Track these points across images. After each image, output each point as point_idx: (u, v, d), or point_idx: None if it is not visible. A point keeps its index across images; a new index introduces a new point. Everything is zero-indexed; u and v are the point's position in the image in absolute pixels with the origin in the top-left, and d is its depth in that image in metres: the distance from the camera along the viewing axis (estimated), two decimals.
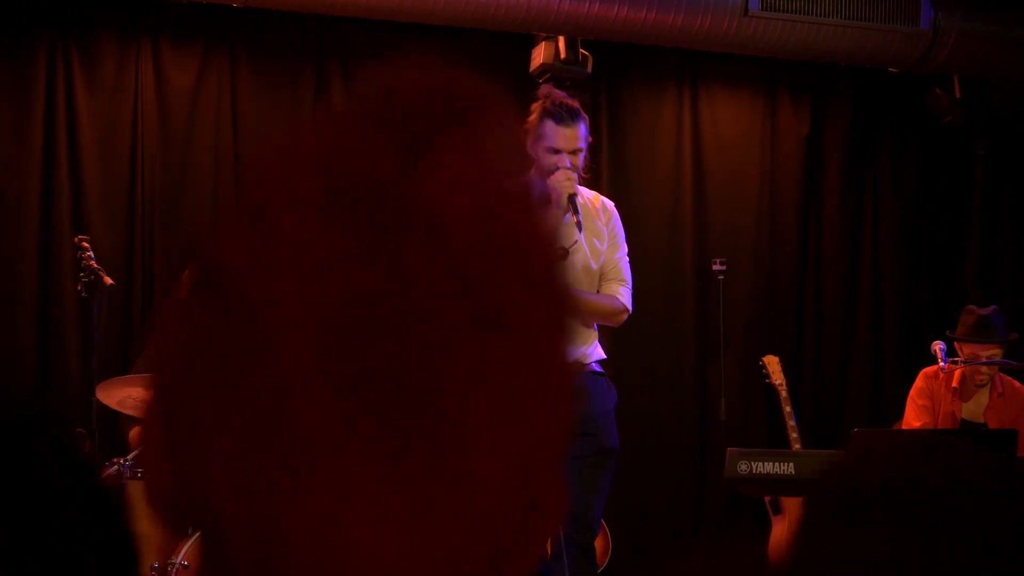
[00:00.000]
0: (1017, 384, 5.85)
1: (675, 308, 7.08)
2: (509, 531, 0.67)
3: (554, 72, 6.64)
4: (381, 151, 0.67)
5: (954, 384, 5.78)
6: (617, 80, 7.11)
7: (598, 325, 4.69)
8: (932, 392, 5.82)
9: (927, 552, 1.04)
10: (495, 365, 0.66)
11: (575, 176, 4.46)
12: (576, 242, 4.54)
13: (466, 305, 0.65)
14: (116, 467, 4.74)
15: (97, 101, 6.31)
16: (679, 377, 7.07)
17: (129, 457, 4.82)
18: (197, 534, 0.70)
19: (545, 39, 6.66)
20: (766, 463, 4.84)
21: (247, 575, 0.66)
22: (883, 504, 1.07)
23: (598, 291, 4.63)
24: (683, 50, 6.93)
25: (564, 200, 4.43)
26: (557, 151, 4.47)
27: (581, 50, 6.68)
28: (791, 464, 4.87)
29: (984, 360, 5.71)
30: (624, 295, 4.62)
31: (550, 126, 4.47)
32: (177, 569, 4.74)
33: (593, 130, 6.98)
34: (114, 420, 5.29)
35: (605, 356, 4.66)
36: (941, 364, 5.69)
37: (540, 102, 4.53)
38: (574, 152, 4.49)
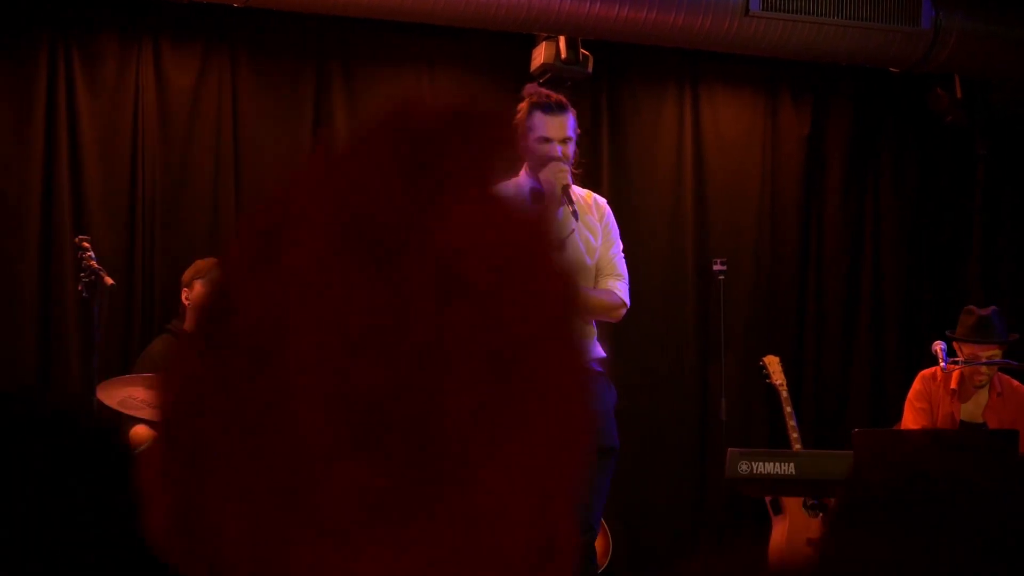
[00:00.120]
0: (1015, 383, 5.85)
1: (676, 308, 7.08)
2: None
3: (555, 72, 6.64)
4: (394, 189, 0.65)
5: (953, 386, 5.78)
6: (618, 80, 7.11)
7: (597, 324, 4.70)
8: (930, 394, 5.82)
9: (927, 553, 1.03)
10: (512, 413, 0.64)
11: (567, 167, 4.51)
12: (572, 231, 4.57)
13: (481, 351, 0.64)
14: None
15: (98, 101, 6.31)
16: (679, 377, 7.07)
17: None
18: None
19: (546, 39, 6.65)
20: (767, 463, 4.84)
21: None
22: (884, 505, 1.07)
23: (594, 287, 4.65)
24: (684, 50, 6.92)
25: (558, 191, 4.47)
26: (548, 139, 4.53)
27: (582, 50, 6.68)
28: (792, 464, 4.87)
29: (984, 360, 5.72)
30: (621, 289, 4.65)
31: (539, 116, 4.55)
32: None
33: (594, 130, 7.02)
34: (115, 420, 5.29)
35: (605, 355, 4.66)
36: (942, 364, 5.69)
37: (527, 99, 4.61)
38: (564, 141, 4.55)
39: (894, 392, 6.48)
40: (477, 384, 0.64)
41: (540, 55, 6.67)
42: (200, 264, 5.86)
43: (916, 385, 5.89)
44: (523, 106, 4.59)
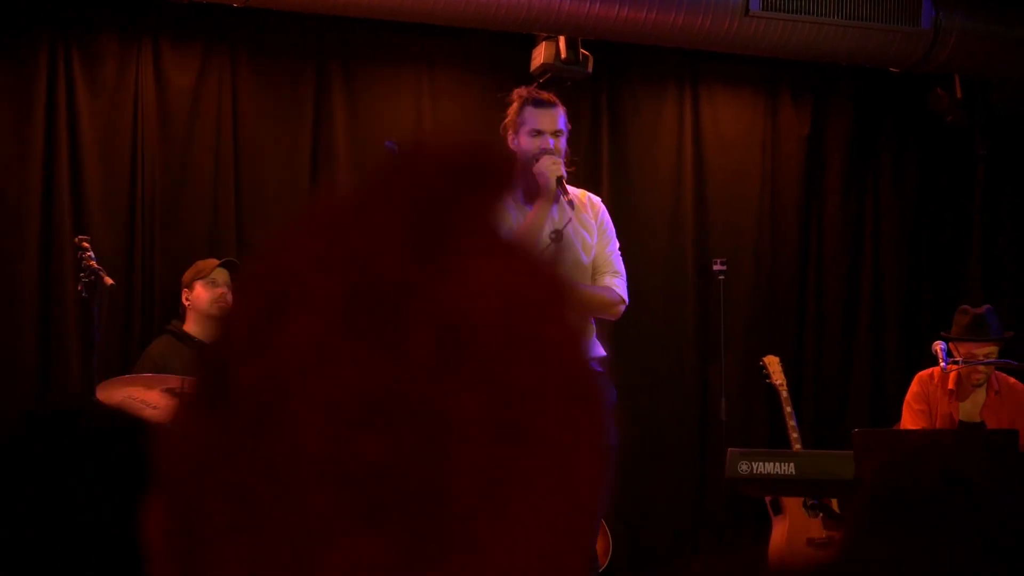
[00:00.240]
0: (1012, 381, 5.87)
1: (676, 308, 7.08)
2: None
3: (555, 72, 6.64)
4: (398, 249, 0.63)
5: (950, 386, 5.79)
6: (618, 80, 7.11)
7: (597, 322, 4.71)
8: (928, 395, 5.84)
9: (927, 553, 1.03)
10: (521, 479, 0.62)
11: (560, 160, 4.55)
12: (570, 220, 4.59)
13: (489, 418, 0.62)
14: None
15: (98, 101, 6.31)
16: (679, 377, 7.07)
17: None
18: None
19: (546, 39, 6.66)
20: (767, 463, 4.84)
21: None
22: (885, 506, 1.07)
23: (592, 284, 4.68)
24: (684, 50, 6.92)
25: (552, 182, 4.51)
26: (539, 132, 4.61)
27: (582, 50, 6.68)
28: (792, 464, 4.87)
29: (982, 359, 5.73)
30: (619, 286, 4.67)
31: (529, 111, 4.64)
32: None
33: (594, 130, 7.03)
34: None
35: (604, 353, 4.67)
36: (942, 364, 5.69)
37: (517, 98, 4.70)
38: (556, 134, 4.63)
39: (894, 392, 6.48)
40: (485, 452, 0.62)
41: (540, 55, 6.67)
42: (200, 264, 5.86)
43: (913, 387, 5.91)
44: (514, 106, 4.67)
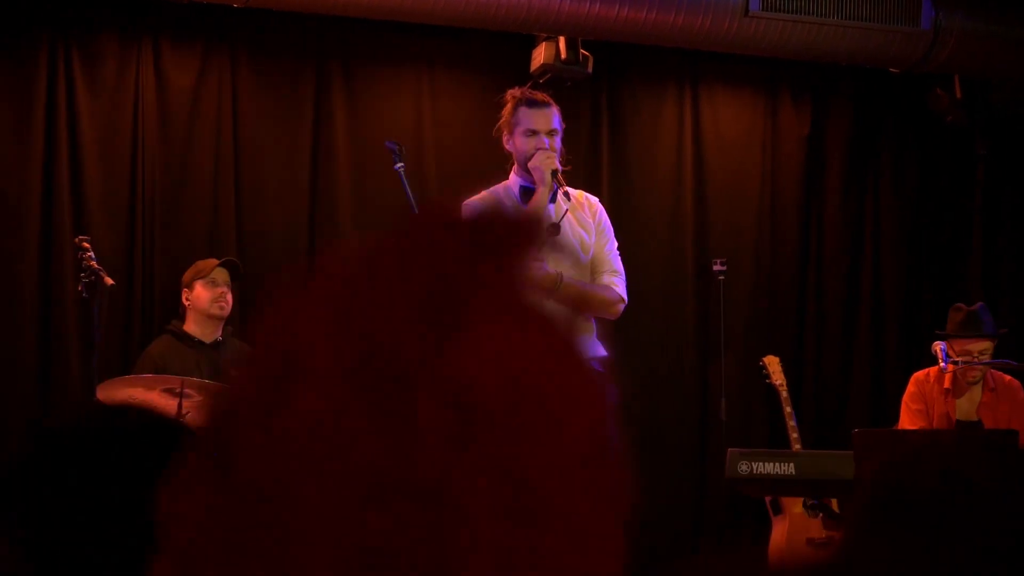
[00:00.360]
0: (1008, 378, 5.89)
1: (675, 308, 7.08)
2: None
3: (555, 72, 6.64)
4: (407, 319, 0.61)
5: (946, 385, 5.81)
6: (618, 80, 7.11)
7: (597, 322, 4.71)
8: (924, 395, 5.86)
9: (927, 553, 1.03)
10: (533, 559, 0.60)
11: (555, 155, 4.58)
12: (566, 211, 4.61)
13: (499, 498, 0.60)
14: None
15: (98, 101, 6.30)
16: (679, 377, 7.07)
17: None
18: None
19: (546, 39, 6.65)
20: (767, 463, 4.84)
21: None
22: (884, 506, 1.07)
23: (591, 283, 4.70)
24: (684, 50, 6.92)
25: (548, 176, 4.53)
26: (534, 132, 4.64)
27: (582, 50, 6.68)
28: (791, 464, 4.87)
29: (977, 355, 5.75)
30: (618, 285, 4.68)
31: (523, 111, 4.67)
32: None
33: (594, 130, 7.03)
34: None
35: (605, 353, 4.67)
36: (942, 364, 5.70)
37: (510, 100, 4.73)
38: (550, 133, 4.66)
39: (894, 392, 6.48)
40: (495, 533, 0.59)
41: (540, 55, 6.67)
42: (200, 264, 5.86)
43: (910, 387, 5.93)
44: (508, 107, 4.70)
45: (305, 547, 0.60)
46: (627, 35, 6.63)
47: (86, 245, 5.14)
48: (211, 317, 5.75)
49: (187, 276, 5.84)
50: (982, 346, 5.80)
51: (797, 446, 6.07)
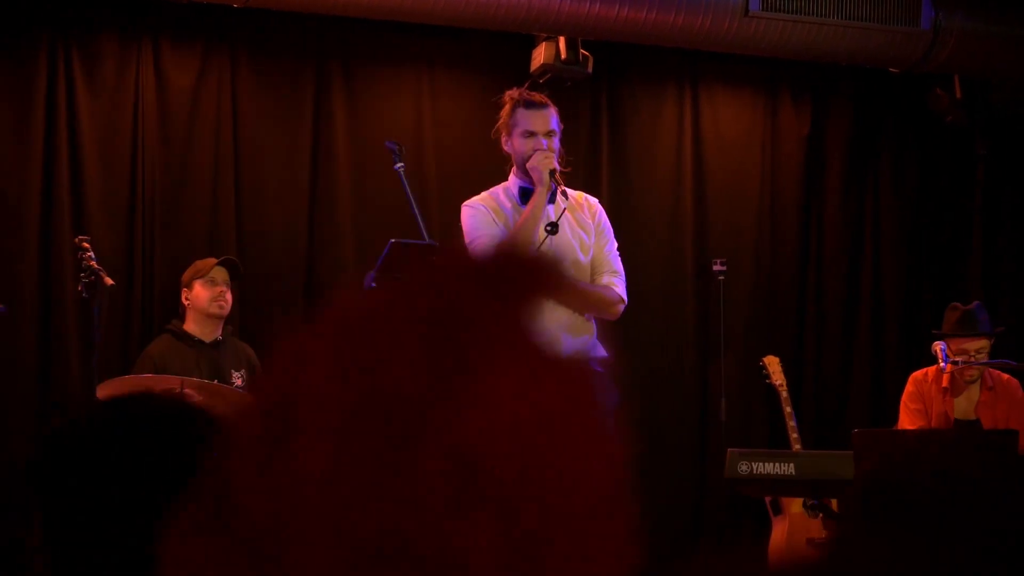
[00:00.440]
0: (1006, 376, 5.90)
1: (675, 308, 7.08)
2: None
3: (554, 72, 6.64)
4: (412, 370, 0.59)
5: (944, 384, 5.81)
6: (618, 80, 7.11)
7: (597, 322, 4.71)
8: (923, 395, 5.87)
9: (920, 552, 1.03)
10: None
11: (553, 155, 4.58)
12: (564, 211, 4.62)
13: (505, 564, 0.58)
14: None
15: (97, 101, 6.30)
16: (679, 377, 7.06)
17: None
18: None
19: (546, 39, 6.65)
20: (766, 463, 4.84)
21: None
22: (877, 505, 1.07)
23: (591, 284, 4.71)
24: (684, 50, 6.92)
25: (546, 176, 4.54)
26: (532, 133, 4.65)
27: (581, 50, 6.68)
28: (791, 465, 4.87)
29: (974, 354, 5.76)
30: (618, 285, 4.69)
31: (521, 112, 4.68)
32: None
33: (594, 130, 7.03)
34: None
35: (606, 354, 4.67)
36: (942, 364, 5.71)
37: (508, 101, 4.74)
38: (548, 134, 4.67)
39: (894, 392, 6.48)
40: None
41: (540, 55, 6.67)
42: (199, 264, 5.86)
43: (908, 387, 5.94)
44: (506, 108, 4.70)
45: None
46: (627, 35, 6.63)
47: (86, 245, 5.13)
48: (210, 316, 5.75)
49: (186, 276, 5.84)
50: (978, 345, 5.81)
51: (797, 446, 6.07)
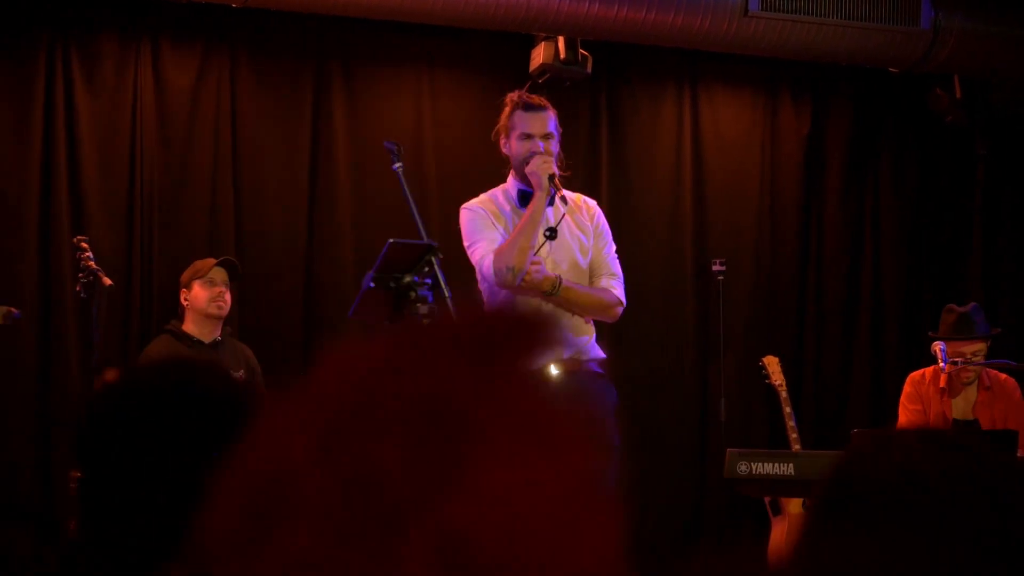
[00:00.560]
0: (1003, 376, 5.90)
1: (675, 308, 7.08)
2: None
3: (554, 72, 6.63)
4: (401, 453, 0.56)
5: (941, 384, 5.82)
6: (617, 80, 7.11)
7: (596, 323, 4.72)
8: (921, 395, 5.87)
9: (926, 553, 1.03)
10: None
11: (551, 159, 4.58)
12: (563, 217, 4.61)
13: None
14: None
15: (97, 101, 6.30)
16: (679, 377, 7.06)
17: None
18: None
19: (545, 39, 6.65)
20: (766, 463, 4.83)
21: None
22: (881, 504, 1.06)
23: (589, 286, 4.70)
24: (683, 50, 6.92)
25: (545, 180, 4.53)
26: (530, 136, 4.64)
27: (581, 50, 6.68)
28: (791, 465, 4.86)
29: (970, 356, 5.76)
30: (616, 287, 4.69)
31: (520, 115, 4.68)
32: None
33: (593, 130, 7.03)
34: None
35: (604, 355, 4.68)
36: (941, 365, 5.71)
37: (508, 103, 4.74)
38: (546, 137, 4.66)
39: (894, 392, 6.48)
40: None
41: (539, 55, 6.67)
42: (198, 264, 5.85)
43: (907, 388, 5.95)
44: (505, 110, 4.72)
45: None
46: (626, 35, 6.63)
47: (84, 245, 5.14)
48: (209, 317, 5.74)
49: (185, 276, 5.84)
50: (975, 347, 5.81)
51: (797, 446, 6.07)
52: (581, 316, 4.65)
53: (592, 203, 4.83)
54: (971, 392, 5.86)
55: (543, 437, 0.59)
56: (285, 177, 6.56)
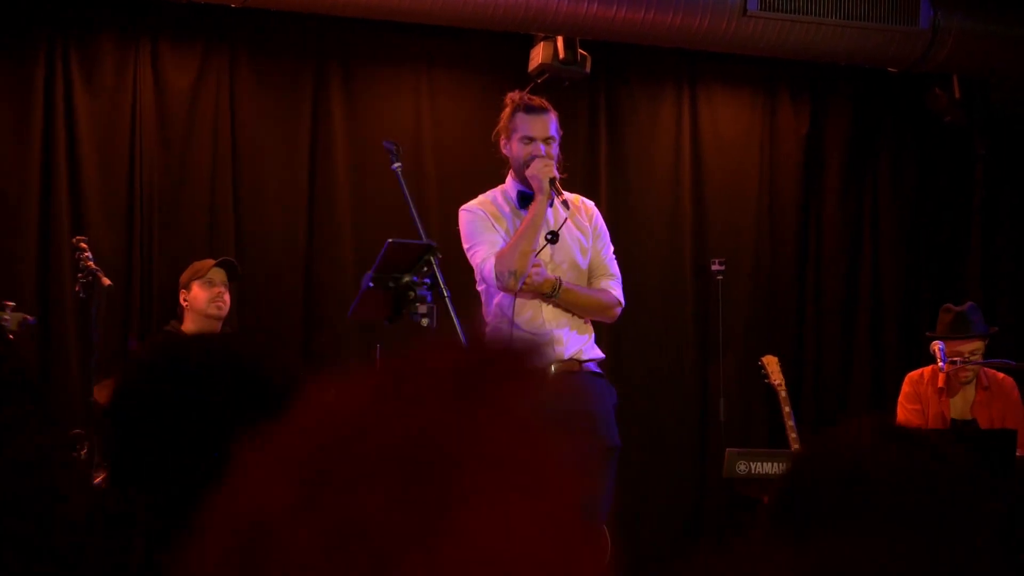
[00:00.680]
0: (1001, 375, 5.91)
1: (675, 308, 7.08)
2: None
3: (553, 72, 6.63)
4: (388, 496, 0.55)
5: (940, 384, 5.82)
6: (616, 80, 7.11)
7: (595, 324, 4.72)
8: (919, 395, 5.88)
9: (924, 552, 1.03)
10: None
11: (552, 162, 4.58)
12: (565, 221, 4.62)
13: None
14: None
15: (96, 101, 6.30)
16: (679, 377, 7.06)
17: None
18: None
19: (544, 39, 6.65)
20: (765, 463, 4.84)
21: None
22: (829, 504, 1.07)
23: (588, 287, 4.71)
24: (682, 50, 6.92)
25: (546, 184, 4.53)
26: (531, 139, 4.65)
27: (580, 50, 6.68)
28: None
29: (967, 356, 5.77)
30: (615, 288, 4.70)
31: (521, 117, 4.68)
32: None
33: (592, 130, 7.03)
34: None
35: (603, 356, 4.68)
36: (940, 364, 5.71)
37: (509, 104, 4.74)
38: (547, 140, 4.66)
39: (893, 392, 6.48)
40: None
41: (538, 55, 6.67)
42: (197, 265, 5.85)
43: (905, 388, 5.96)
44: (506, 111, 4.69)
45: None
46: (625, 35, 6.63)
47: (83, 246, 5.14)
48: (209, 317, 5.74)
49: (184, 277, 5.84)
50: (972, 347, 5.82)
51: (796, 446, 6.07)
52: (580, 317, 4.65)
53: (590, 204, 4.84)
54: (969, 392, 5.87)
55: (531, 478, 0.57)
56: (285, 177, 6.56)
